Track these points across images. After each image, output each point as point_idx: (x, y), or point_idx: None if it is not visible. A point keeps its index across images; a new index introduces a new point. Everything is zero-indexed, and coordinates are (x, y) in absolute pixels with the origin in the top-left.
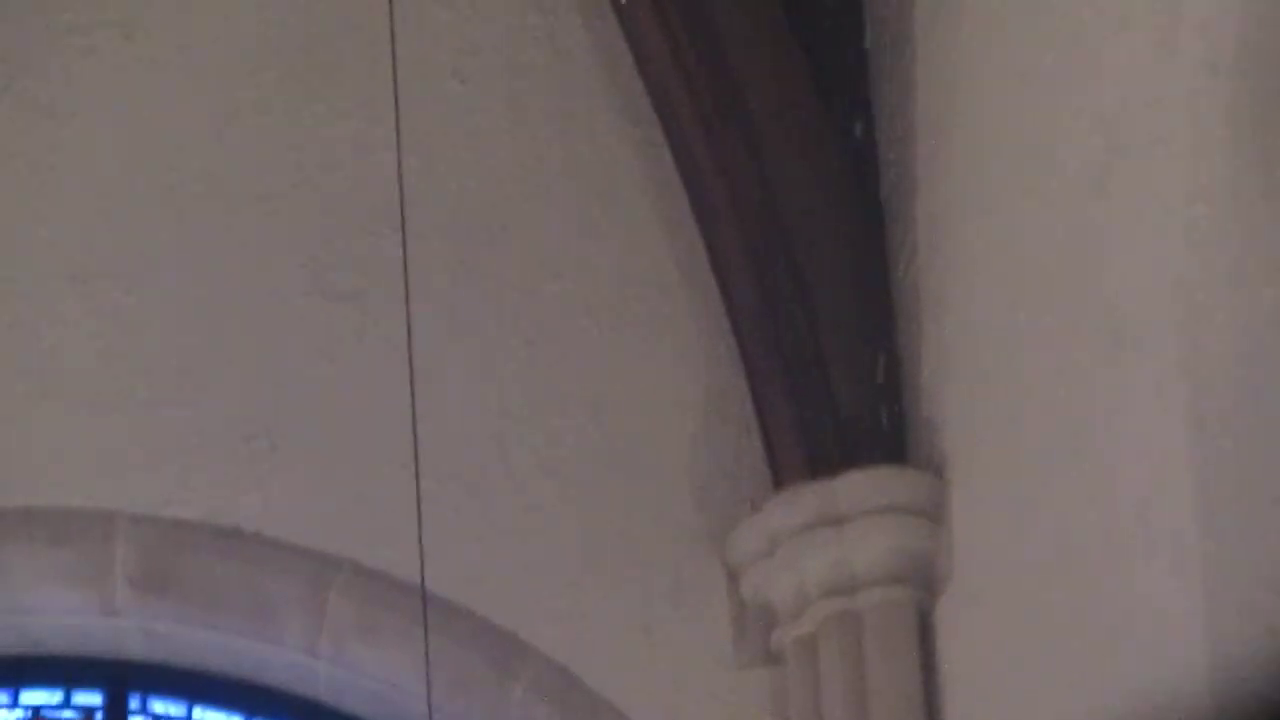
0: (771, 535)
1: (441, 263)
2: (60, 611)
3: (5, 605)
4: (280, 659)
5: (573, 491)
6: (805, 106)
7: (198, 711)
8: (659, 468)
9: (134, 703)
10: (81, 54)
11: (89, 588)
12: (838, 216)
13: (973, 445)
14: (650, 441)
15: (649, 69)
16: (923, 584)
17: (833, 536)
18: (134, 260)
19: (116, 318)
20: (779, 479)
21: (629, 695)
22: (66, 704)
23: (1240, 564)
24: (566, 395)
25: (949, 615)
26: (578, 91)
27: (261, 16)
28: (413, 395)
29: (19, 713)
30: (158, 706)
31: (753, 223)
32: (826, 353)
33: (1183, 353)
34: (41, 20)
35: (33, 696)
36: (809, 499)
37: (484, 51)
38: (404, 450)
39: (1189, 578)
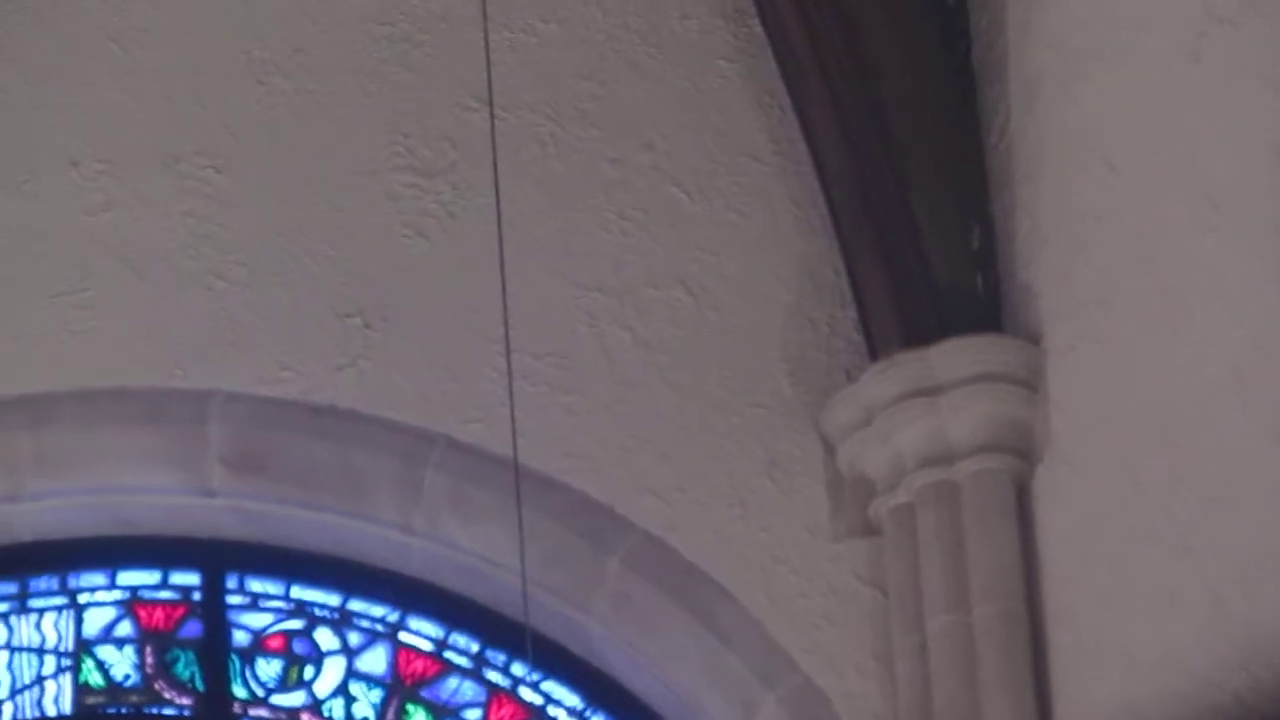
0: (867, 406)
1: (531, 136)
2: (156, 492)
3: (101, 486)
4: (376, 536)
5: (666, 365)
6: None
7: (295, 589)
8: (753, 340)
9: (231, 582)
10: None
11: (184, 468)
12: (930, 83)
13: (1069, 312)
14: (744, 314)
15: None
16: (1020, 453)
17: (929, 406)
18: (226, 138)
19: (210, 197)
20: (874, 349)
21: (726, 567)
22: (164, 584)
23: None
24: (659, 268)
25: (1047, 484)
26: None
27: None
28: (503, 270)
29: (117, 593)
30: (255, 585)
31: (844, 90)
32: (920, 221)
33: (1278, 217)
34: None
35: (130, 577)
36: (905, 369)
37: None
38: (496, 326)
39: None
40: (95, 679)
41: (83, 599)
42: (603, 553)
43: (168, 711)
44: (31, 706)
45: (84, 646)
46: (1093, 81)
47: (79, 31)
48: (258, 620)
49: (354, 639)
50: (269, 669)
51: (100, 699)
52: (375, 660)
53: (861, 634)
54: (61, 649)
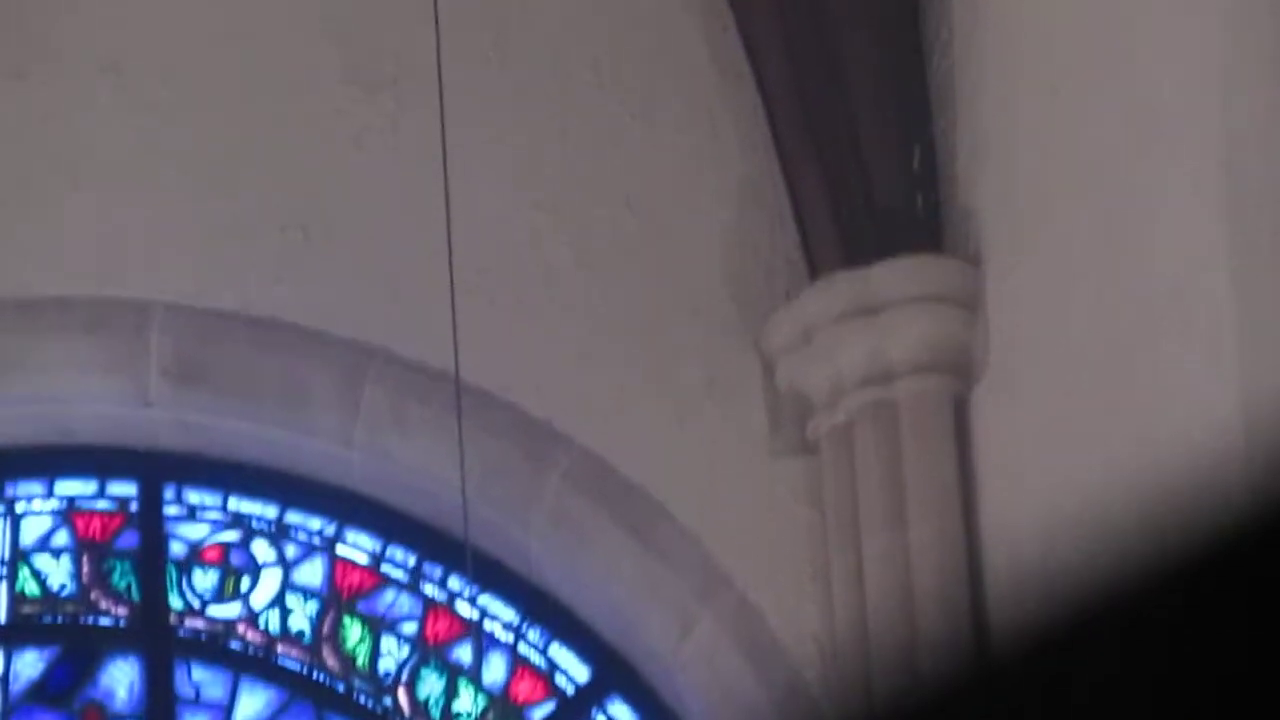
0: (806, 325)
1: (475, 52)
2: (94, 402)
3: (39, 395)
4: (314, 448)
5: (607, 282)
6: None
7: (233, 501)
8: (693, 258)
9: (169, 493)
10: None
11: (123, 378)
12: (874, 1)
13: (1009, 233)
14: (684, 232)
15: None
16: (959, 372)
17: (868, 325)
18: (169, 50)
19: (151, 108)
20: (814, 268)
21: (664, 485)
22: (101, 494)
23: (1276, 347)
24: (600, 186)
25: (985, 404)
26: None
27: None
28: (446, 186)
29: (53, 503)
30: (193, 497)
31: (788, 9)
32: (862, 140)
33: (1220, 139)
34: None
35: (67, 487)
36: (844, 288)
37: None
38: (438, 241)
39: (1225, 363)
40: (31, 588)
41: (20, 508)
42: (542, 469)
43: (104, 621)
44: None
45: (20, 555)
46: (1037, 2)
47: None
48: (195, 531)
49: (291, 551)
50: (205, 580)
51: (36, 608)
52: (312, 572)
53: (799, 553)
54: None
